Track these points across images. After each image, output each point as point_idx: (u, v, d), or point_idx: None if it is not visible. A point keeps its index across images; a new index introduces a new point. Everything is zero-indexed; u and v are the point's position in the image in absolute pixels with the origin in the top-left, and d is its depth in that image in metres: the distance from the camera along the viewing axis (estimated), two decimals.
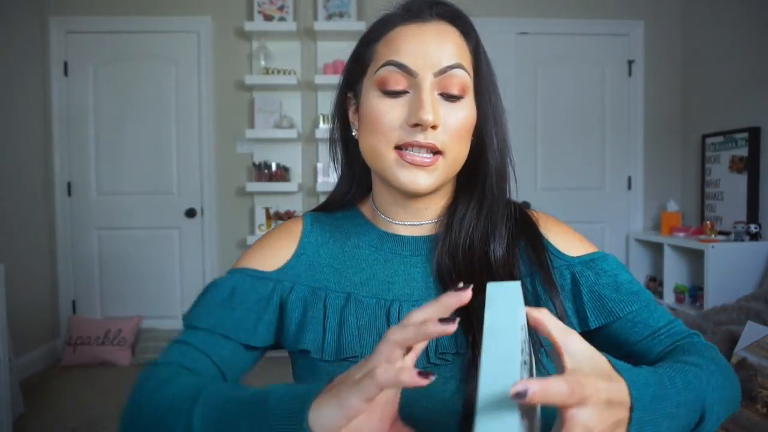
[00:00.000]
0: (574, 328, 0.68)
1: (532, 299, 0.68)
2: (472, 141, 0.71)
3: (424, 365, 0.65)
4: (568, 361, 0.43)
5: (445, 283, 0.69)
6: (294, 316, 0.69)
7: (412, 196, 0.70)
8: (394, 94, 0.67)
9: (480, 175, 0.72)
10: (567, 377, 0.40)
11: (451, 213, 0.73)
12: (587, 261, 0.71)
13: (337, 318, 0.68)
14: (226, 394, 0.54)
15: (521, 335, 0.42)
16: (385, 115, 0.66)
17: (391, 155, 0.67)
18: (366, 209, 0.78)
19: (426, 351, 0.65)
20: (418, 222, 0.74)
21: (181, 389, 0.58)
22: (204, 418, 0.53)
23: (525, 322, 0.45)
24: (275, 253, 0.74)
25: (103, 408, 2.79)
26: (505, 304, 0.44)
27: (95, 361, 3.43)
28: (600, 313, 0.68)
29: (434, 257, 0.71)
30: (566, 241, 0.73)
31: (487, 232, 0.71)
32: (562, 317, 0.67)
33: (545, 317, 0.44)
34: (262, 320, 0.69)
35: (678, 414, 0.50)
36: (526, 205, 0.80)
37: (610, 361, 0.47)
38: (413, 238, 0.73)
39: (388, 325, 0.67)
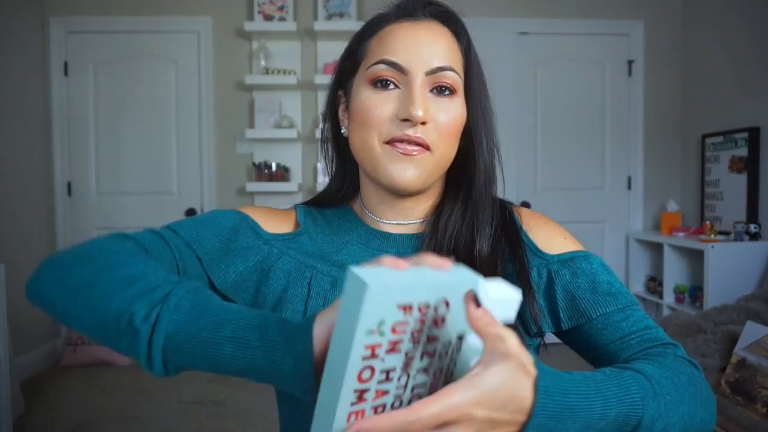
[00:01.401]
0: (548, 327, 0.68)
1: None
2: (461, 142, 0.71)
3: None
4: (463, 382, 0.41)
5: None
6: (275, 286, 0.68)
7: (400, 194, 0.70)
8: (385, 86, 0.67)
9: (467, 176, 0.72)
10: (438, 401, 0.39)
11: (437, 213, 0.73)
12: (566, 260, 0.69)
13: (320, 300, 0.67)
14: (216, 299, 0.52)
15: (375, 339, 0.39)
16: (375, 109, 0.66)
17: (381, 148, 0.67)
18: (356, 207, 0.78)
19: None
20: (404, 221, 0.74)
21: (153, 268, 0.55)
22: (181, 304, 0.50)
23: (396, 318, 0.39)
24: (276, 224, 0.74)
25: (103, 408, 2.79)
26: (353, 304, 0.38)
27: (95, 361, 3.43)
28: (572, 315, 0.67)
29: (421, 251, 0.70)
30: (548, 239, 0.72)
31: (473, 232, 0.70)
32: (536, 317, 0.67)
33: (482, 323, 0.41)
34: (236, 268, 0.68)
35: (599, 427, 0.48)
36: (525, 204, 0.80)
37: (537, 375, 0.44)
38: (399, 235, 0.73)
39: None
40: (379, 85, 0.67)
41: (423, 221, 0.74)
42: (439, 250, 0.70)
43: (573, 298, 0.67)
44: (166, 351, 0.50)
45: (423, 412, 0.39)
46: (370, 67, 0.67)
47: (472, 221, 0.71)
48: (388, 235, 0.73)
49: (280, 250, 0.71)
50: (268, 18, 3.54)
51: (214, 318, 0.49)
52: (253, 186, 3.51)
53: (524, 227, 0.73)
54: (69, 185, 3.66)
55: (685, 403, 0.55)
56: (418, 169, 0.66)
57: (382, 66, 0.66)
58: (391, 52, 0.67)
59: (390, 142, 0.66)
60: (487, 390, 0.41)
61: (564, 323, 0.67)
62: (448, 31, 0.69)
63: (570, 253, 0.70)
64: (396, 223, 0.74)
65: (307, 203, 0.81)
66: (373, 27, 0.71)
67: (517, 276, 0.68)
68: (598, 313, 0.66)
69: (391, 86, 0.67)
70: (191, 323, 0.49)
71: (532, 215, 0.76)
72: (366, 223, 0.75)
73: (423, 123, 0.65)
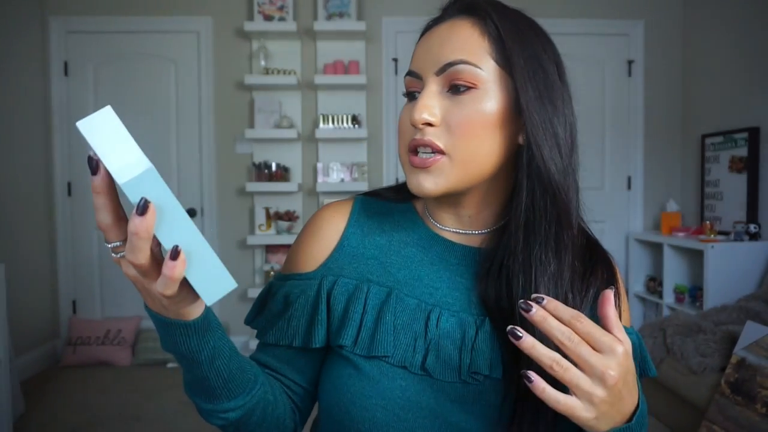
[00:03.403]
0: None
1: None
2: (525, 140, 0.63)
3: (453, 380, 0.64)
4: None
5: (486, 303, 0.66)
6: (338, 309, 0.68)
7: (443, 200, 0.69)
8: (410, 97, 0.68)
9: (526, 181, 0.63)
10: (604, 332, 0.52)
11: (499, 229, 0.69)
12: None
13: (374, 314, 0.66)
14: None
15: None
16: (402, 120, 0.68)
17: (406, 159, 0.67)
18: (419, 207, 0.76)
19: (459, 367, 0.64)
20: (463, 230, 0.70)
21: None
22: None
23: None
24: (319, 248, 0.73)
25: (103, 408, 2.79)
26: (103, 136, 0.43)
27: (95, 361, 3.43)
28: None
29: (479, 275, 0.67)
30: (622, 309, 0.70)
31: (530, 257, 0.63)
32: None
33: (612, 313, 0.52)
34: (315, 322, 0.68)
35: None
36: None
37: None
38: (462, 247, 0.70)
39: (426, 329, 0.65)
40: (410, 97, 0.68)
41: (486, 233, 0.70)
42: (498, 272, 0.66)
43: None
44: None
45: (592, 326, 0.51)
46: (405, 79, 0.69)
47: (536, 246, 0.63)
48: (452, 244, 0.70)
49: (334, 274, 0.70)
50: (268, 18, 3.54)
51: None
52: (253, 186, 3.51)
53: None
54: (69, 185, 3.66)
55: None
56: (436, 178, 0.63)
57: (407, 78, 0.67)
58: (412, 62, 0.67)
59: (411, 151, 0.66)
60: (630, 362, 0.52)
61: None
62: (469, 21, 0.63)
63: (626, 328, 0.69)
64: (455, 231, 0.71)
65: (372, 193, 0.79)
66: (418, 38, 0.71)
67: None
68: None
69: (416, 96, 0.67)
70: None
71: (617, 272, 0.72)
72: (427, 226, 0.73)
73: (430, 125, 0.63)
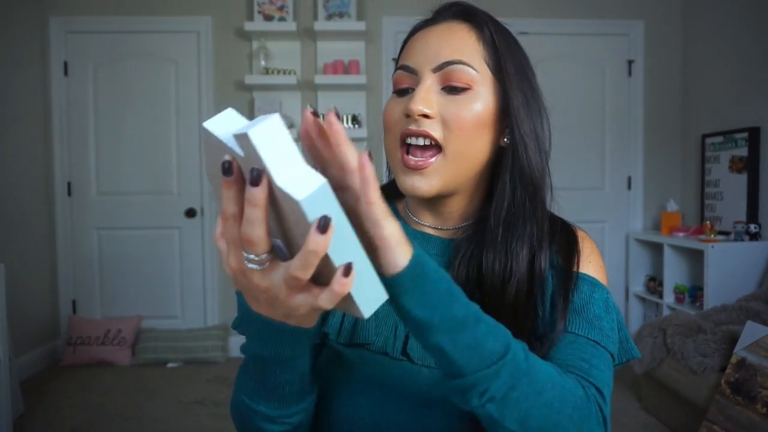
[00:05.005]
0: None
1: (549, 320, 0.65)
2: (507, 141, 0.68)
3: (431, 364, 0.66)
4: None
5: None
6: None
7: (427, 200, 0.71)
8: (401, 92, 0.69)
9: (509, 180, 0.68)
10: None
11: (476, 221, 0.71)
12: (579, 277, 0.68)
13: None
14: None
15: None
16: (391, 112, 0.69)
17: (398, 156, 0.68)
18: (401, 207, 0.79)
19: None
20: (443, 227, 0.74)
21: None
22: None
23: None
24: None
25: (103, 408, 2.79)
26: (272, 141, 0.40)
27: (95, 361, 3.43)
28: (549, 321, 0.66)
29: (452, 264, 0.69)
30: (586, 263, 0.71)
31: (507, 251, 0.66)
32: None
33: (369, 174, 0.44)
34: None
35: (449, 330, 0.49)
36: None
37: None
38: (440, 239, 0.73)
39: None
40: (400, 92, 0.70)
41: (460, 227, 0.73)
42: (469, 263, 0.67)
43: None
44: None
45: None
46: (393, 75, 0.71)
47: (509, 238, 0.66)
48: (429, 236, 0.74)
49: None
50: (268, 18, 3.54)
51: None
52: None
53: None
54: (69, 185, 3.66)
55: (547, 397, 0.53)
56: (431, 180, 0.66)
57: (398, 72, 0.70)
58: (406, 58, 0.69)
59: (405, 144, 0.67)
60: None
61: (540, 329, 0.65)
62: (467, 26, 0.68)
63: (584, 275, 0.68)
64: (435, 228, 0.74)
65: None
66: (407, 37, 0.73)
67: (558, 305, 0.65)
68: (568, 330, 0.63)
69: (410, 91, 0.68)
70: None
71: (584, 238, 0.73)
72: (408, 224, 0.76)
73: (426, 117, 0.65)
